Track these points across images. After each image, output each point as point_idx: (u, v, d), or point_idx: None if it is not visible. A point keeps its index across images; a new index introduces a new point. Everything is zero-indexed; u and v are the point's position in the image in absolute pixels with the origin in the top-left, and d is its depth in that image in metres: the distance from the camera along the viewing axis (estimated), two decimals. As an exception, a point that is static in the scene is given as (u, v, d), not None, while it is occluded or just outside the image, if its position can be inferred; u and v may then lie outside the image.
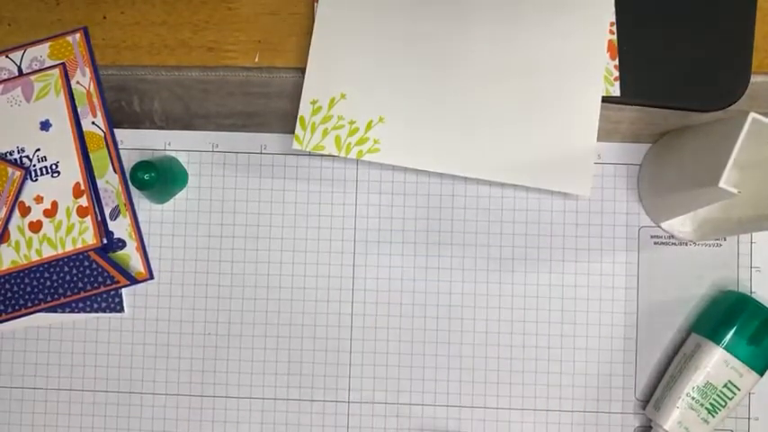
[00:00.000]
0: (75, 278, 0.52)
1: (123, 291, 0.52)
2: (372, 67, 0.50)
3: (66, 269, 0.52)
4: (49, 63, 0.53)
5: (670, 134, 0.50)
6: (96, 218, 0.52)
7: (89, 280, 0.52)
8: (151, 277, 0.52)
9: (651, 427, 0.48)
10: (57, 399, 0.52)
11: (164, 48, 0.53)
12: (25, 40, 0.53)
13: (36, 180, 0.52)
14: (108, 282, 0.52)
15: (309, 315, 0.52)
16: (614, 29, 0.50)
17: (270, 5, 0.53)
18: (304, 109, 0.50)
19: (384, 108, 0.50)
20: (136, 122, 0.53)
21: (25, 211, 0.52)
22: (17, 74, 0.53)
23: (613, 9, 0.50)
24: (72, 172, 0.52)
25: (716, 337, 0.47)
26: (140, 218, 0.52)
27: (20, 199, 0.52)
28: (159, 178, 0.47)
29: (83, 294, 0.52)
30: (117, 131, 0.53)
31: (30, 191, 0.52)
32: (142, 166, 0.47)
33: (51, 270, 0.52)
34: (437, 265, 0.51)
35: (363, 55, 0.50)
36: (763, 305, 0.48)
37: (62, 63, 0.53)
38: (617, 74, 0.50)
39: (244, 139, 0.52)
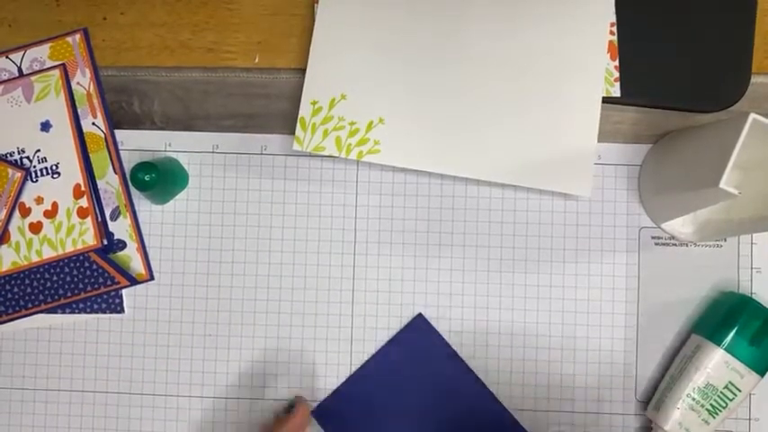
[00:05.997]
0: (75, 279, 0.52)
1: (123, 291, 0.52)
2: (372, 67, 0.50)
3: (66, 270, 0.52)
4: (49, 64, 0.53)
5: (671, 135, 0.50)
6: (96, 219, 0.52)
7: (89, 281, 0.52)
8: (151, 278, 0.52)
9: (651, 428, 0.48)
10: (57, 399, 0.52)
11: (164, 49, 0.53)
12: (25, 40, 0.53)
13: (36, 181, 0.52)
14: (108, 282, 0.52)
15: (310, 316, 0.52)
16: (614, 29, 0.50)
17: (270, 6, 0.53)
18: (304, 110, 0.50)
19: (384, 109, 0.50)
20: (136, 123, 0.53)
21: (26, 212, 0.52)
22: (17, 75, 0.53)
23: (613, 9, 0.50)
24: (72, 173, 0.52)
25: (716, 338, 0.47)
26: (140, 219, 0.52)
27: (20, 200, 0.52)
28: (159, 179, 0.47)
29: (83, 295, 0.52)
30: (117, 132, 0.53)
31: (30, 192, 0.52)
32: (142, 166, 0.47)
33: (52, 271, 0.52)
34: (437, 265, 0.51)
35: (363, 56, 0.50)
36: (764, 306, 0.48)
37: (62, 64, 0.53)
38: (617, 74, 0.50)
39: (244, 140, 0.52)
